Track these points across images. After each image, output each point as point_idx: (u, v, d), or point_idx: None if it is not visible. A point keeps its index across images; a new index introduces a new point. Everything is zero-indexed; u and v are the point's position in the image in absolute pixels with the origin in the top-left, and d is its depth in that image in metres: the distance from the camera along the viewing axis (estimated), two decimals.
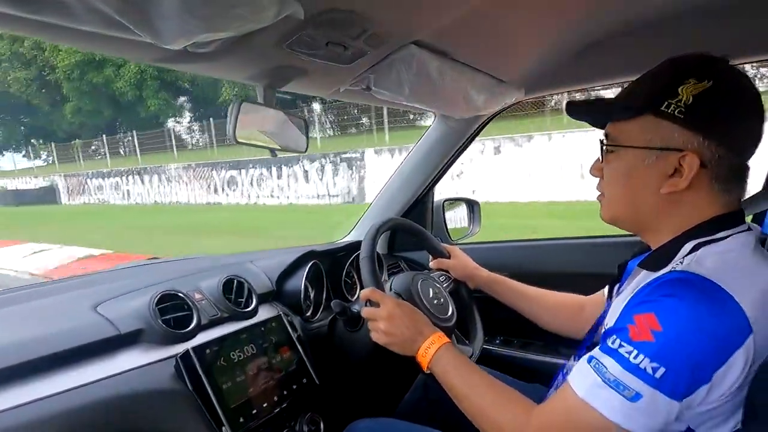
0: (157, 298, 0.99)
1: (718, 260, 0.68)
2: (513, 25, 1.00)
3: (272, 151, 1.08)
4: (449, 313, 1.15)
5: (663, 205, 0.75)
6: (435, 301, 1.14)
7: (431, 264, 1.32)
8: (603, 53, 1.19)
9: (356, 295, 1.52)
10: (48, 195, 22.95)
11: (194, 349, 0.95)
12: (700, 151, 0.69)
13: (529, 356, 1.57)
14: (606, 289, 1.10)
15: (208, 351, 0.97)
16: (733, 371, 0.63)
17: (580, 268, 1.57)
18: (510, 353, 1.61)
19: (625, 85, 0.81)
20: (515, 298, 1.24)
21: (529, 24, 1.01)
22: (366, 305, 1.04)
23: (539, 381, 1.23)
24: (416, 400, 1.32)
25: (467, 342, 1.24)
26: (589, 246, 1.65)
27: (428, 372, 0.91)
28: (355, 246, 1.55)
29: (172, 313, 1.00)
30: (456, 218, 1.91)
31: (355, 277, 1.55)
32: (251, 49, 0.83)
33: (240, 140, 0.97)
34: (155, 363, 0.91)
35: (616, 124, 0.78)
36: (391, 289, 1.12)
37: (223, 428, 0.91)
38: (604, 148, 0.79)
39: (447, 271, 1.32)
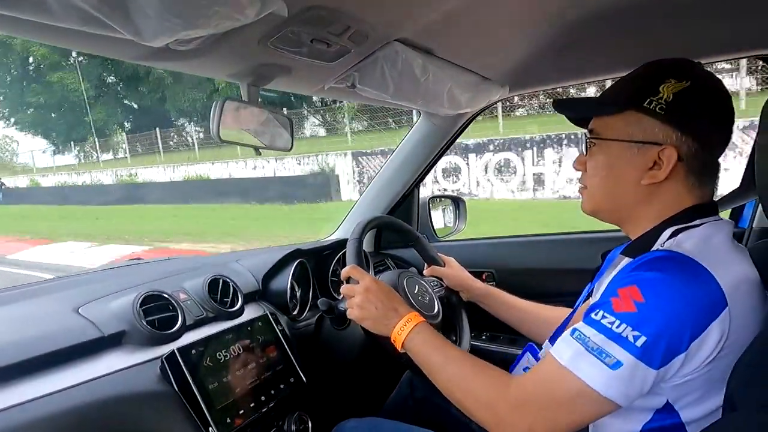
0: (141, 299, 0.98)
1: (697, 242, 0.72)
2: (496, 23, 1.01)
3: (257, 149, 1.08)
4: (435, 310, 1.15)
5: (642, 196, 0.79)
6: (419, 297, 1.14)
7: (425, 271, 1.31)
8: (585, 51, 1.20)
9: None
10: (323, 187, 13.71)
11: (180, 349, 0.94)
12: (677, 145, 0.74)
13: (516, 352, 1.58)
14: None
15: (193, 351, 0.96)
16: (708, 343, 0.66)
17: (565, 263, 1.59)
18: (497, 349, 1.63)
19: (607, 83, 0.83)
20: (508, 312, 1.24)
21: (512, 21, 1.02)
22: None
23: None
24: (402, 398, 1.32)
25: (455, 339, 1.25)
26: (574, 241, 1.67)
27: (403, 351, 0.90)
28: (342, 244, 1.55)
29: (157, 314, 0.99)
30: (442, 216, 1.92)
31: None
32: (234, 47, 0.83)
33: (224, 139, 0.96)
34: (140, 365, 0.90)
35: (600, 120, 0.82)
36: None
37: (210, 429, 0.90)
38: (589, 141, 0.83)
39: (441, 279, 1.31)
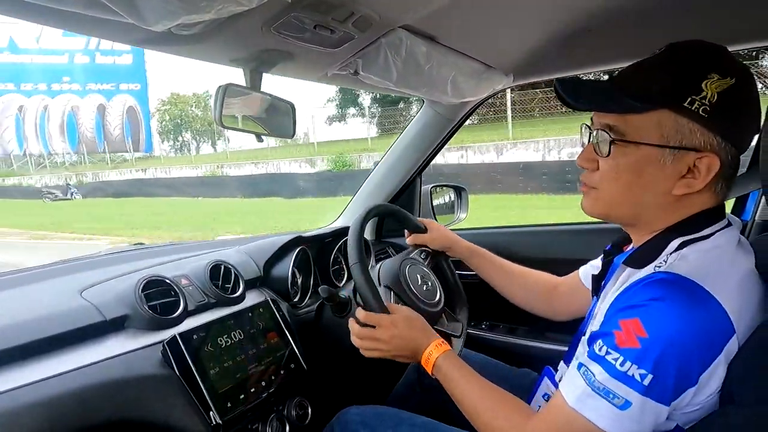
0: (143, 284, 0.99)
1: (702, 259, 0.68)
2: (501, 10, 1.00)
3: (258, 136, 1.07)
4: (437, 297, 1.16)
5: (667, 205, 0.72)
6: (424, 287, 1.14)
7: (408, 240, 1.30)
8: (592, 39, 1.19)
9: (344, 281, 1.52)
10: None
11: (181, 335, 0.94)
12: (718, 152, 0.67)
13: (516, 341, 1.59)
14: (579, 272, 1.12)
15: (195, 337, 0.97)
16: (718, 373, 0.64)
17: (564, 254, 1.59)
18: (497, 338, 1.63)
19: (620, 71, 0.75)
20: (492, 272, 1.24)
21: (518, 9, 1.01)
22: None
23: (528, 366, 1.25)
24: (409, 385, 1.33)
25: (456, 316, 1.25)
26: (574, 232, 1.67)
27: (434, 377, 0.91)
28: (343, 232, 1.56)
29: (159, 299, 0.99)
30: (444, 204, 1.92)
31: (343, 262, 1.56)
32: (237, 32, 0.82)
33: (225, 125, 0.96)
34: (142, 349, 0.91)
35: (624, 115, 0.70)
36: (380, 284, 1.10)
37: (211, 413, 0.91)
38: (610, 139, 0.71)
39: (426, 246, 1.30)
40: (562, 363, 0.94)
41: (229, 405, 0.95)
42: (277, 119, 1.08)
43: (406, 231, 1.32)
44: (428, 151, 1.70)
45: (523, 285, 1.21)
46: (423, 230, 1.29)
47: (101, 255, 1.29)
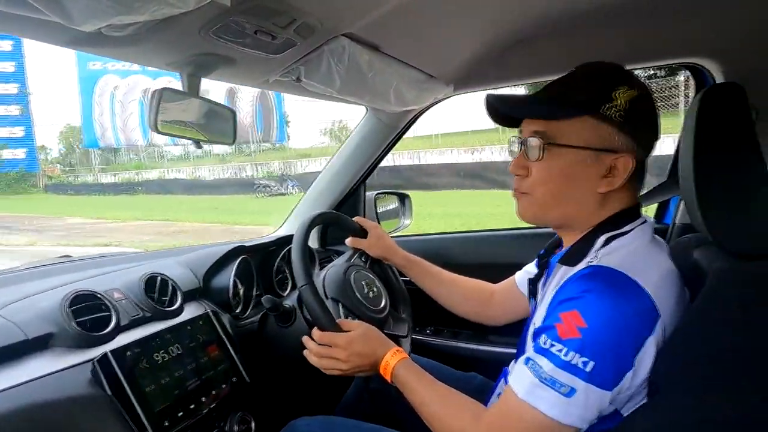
0: (70, 299, 0.92)
1: (626, 252, 0.75)
2: (442, 21, 1.02)
3: (197, 142, 1.04)
4: (383, 303, 1.17)
5: (592, 203, 0.79)
6: (370, 294, 1.15)
7: (347, 241, 1.31)
8: (530, 52, 1.24)
9: (287, 290, 1.50)
10: None
11: (113, 351, 0.89)
12: (633, 152, 0.76)
13: (460, 345, 1.62)
14: (516, 278, 1.17)
15: (129, 353, 0.92)
16: (649, 354, 0.69)
17: (503, 258, 1.64)
18: (442, 343, 1.66)
19: (545, 86, 0.84)
20: (429, 282, 1.27)
21: (458, 20, 1.04)
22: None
23: (473, 369, 1.28)
24: (358, 392, 1.32)
25: (400, 315, 1.27)
26: (521, 237, 1.73)
27: (392, 384, 0.92)
28: (287, 240, 1.53)
29: (89, 315, 0.93)
30: (388, 211, 1.93)
31: (287, 272, 1.53)
32: (173, 35, 0.79)
33: (162, 131, 0.92)
34: (69, 369, 0.85)
35: (550, 123, 0.78)
36: (327, 296, 1.09)
37: None
38: (542, 143, 0.78)
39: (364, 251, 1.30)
40: (512, 363, 0.97)
41: (166, 424, 0.91)
42: (218, 125, 1.05)
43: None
44: (372, 159, 1.71)
45: (460, 294, 1.25)
46: (361, 235, 1.30)
47: (24, 269, 1.20)
